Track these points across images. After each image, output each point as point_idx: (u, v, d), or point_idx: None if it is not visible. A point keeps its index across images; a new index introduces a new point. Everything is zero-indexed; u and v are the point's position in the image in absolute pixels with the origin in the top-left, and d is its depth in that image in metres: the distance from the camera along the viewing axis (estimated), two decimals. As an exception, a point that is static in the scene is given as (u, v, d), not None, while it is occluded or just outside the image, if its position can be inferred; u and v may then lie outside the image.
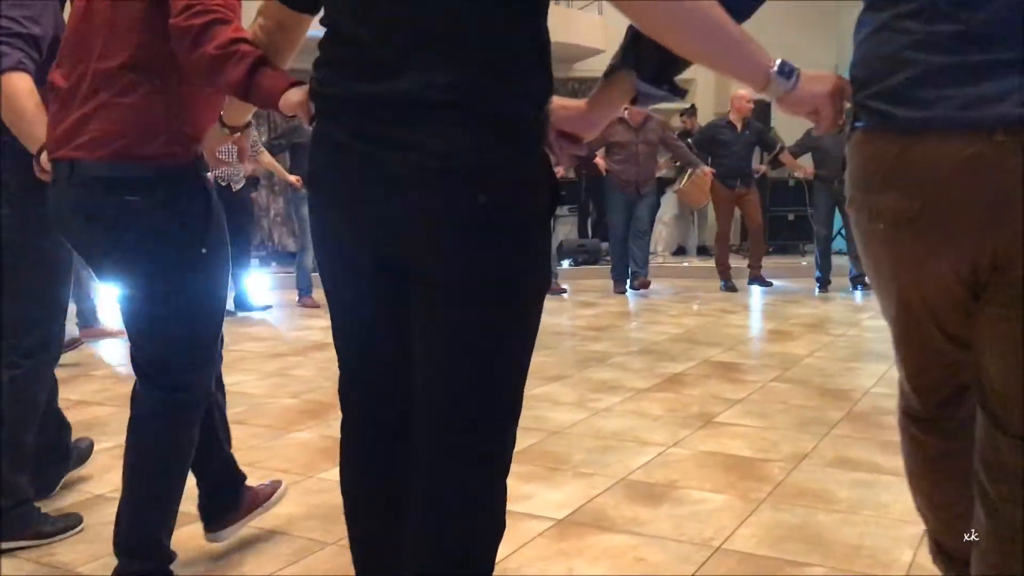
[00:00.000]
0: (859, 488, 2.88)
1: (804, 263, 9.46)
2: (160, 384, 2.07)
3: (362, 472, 1.63)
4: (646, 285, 7.91)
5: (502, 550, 2.37)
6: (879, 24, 1.41)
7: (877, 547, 2.43)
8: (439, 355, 1.44)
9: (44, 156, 2.14)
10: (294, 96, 1.62)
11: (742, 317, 6.80)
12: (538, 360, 4.71)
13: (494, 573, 2.12)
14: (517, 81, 1.39)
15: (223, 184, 6.40)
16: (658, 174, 8.58)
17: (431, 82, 1.34)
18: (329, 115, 1.47)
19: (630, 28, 1.44)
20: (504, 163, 1.38)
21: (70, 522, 2.51)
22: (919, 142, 1.35)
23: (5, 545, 2.36)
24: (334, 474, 2.99)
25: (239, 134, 2.01)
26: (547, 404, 3.98)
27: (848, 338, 5.70)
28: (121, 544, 2.07)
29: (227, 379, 2.46)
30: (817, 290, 7.99)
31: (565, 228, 10.28)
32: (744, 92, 7.78)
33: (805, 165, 7.91)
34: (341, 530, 2.53)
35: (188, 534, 2.41)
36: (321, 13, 1.54)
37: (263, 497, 2.47)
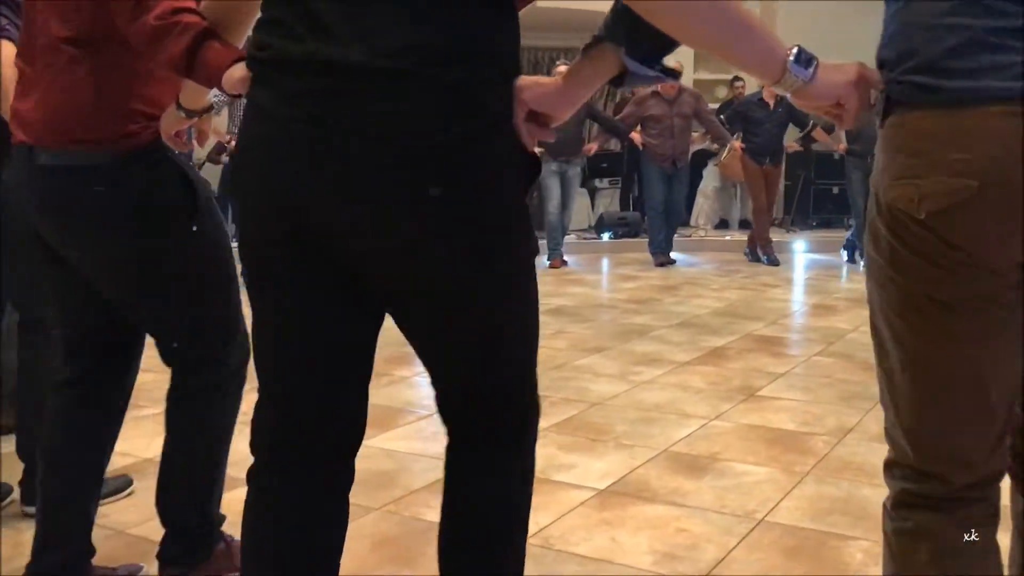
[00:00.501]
0: (904, 463, 2.86)
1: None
2: (193, 370, 1.95)
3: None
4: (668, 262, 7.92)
5: (544, 518, 2.40)
6: None
7: (922, 522, 2.41)
8: (437, 363, 1.36)
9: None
10: (237, 72, 1.46)
11: (784, 291, 6.74)
12: (579, 332, 4.74)
13: (538, 542, 2.14)
14: (482, 41, 1.18)
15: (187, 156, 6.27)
16: (697, 147, 8.51)
17: (377, 45, 1.14)
18: (261, 81, 1.24)
19: (616, 3, 1.24)
20: (464, 144, 1.16)
21: (119, 484, 2.57)
22: (970, 115, 1.12)
23: None
24: (379, 440, 3.04)
25: (196, 118, 1.79)
26: (588, 376, 3.99)
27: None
28: (167, 513, 2.02)
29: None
30: (846, 261, 7.99)
31: (605, 200, 10.24)
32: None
33: (837, 141, 7.84)
34: (385, 496, 2.58)
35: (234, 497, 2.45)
36: None
37: None
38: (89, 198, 1.76)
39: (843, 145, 7.73)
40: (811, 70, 1.17)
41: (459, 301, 1.25)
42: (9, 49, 2.10)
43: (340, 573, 2.10)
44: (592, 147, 8.24)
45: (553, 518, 2.42)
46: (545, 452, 2.82)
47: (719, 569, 2.16)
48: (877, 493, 2.51)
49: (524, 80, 1.27)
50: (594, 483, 2.68)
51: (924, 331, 1.19)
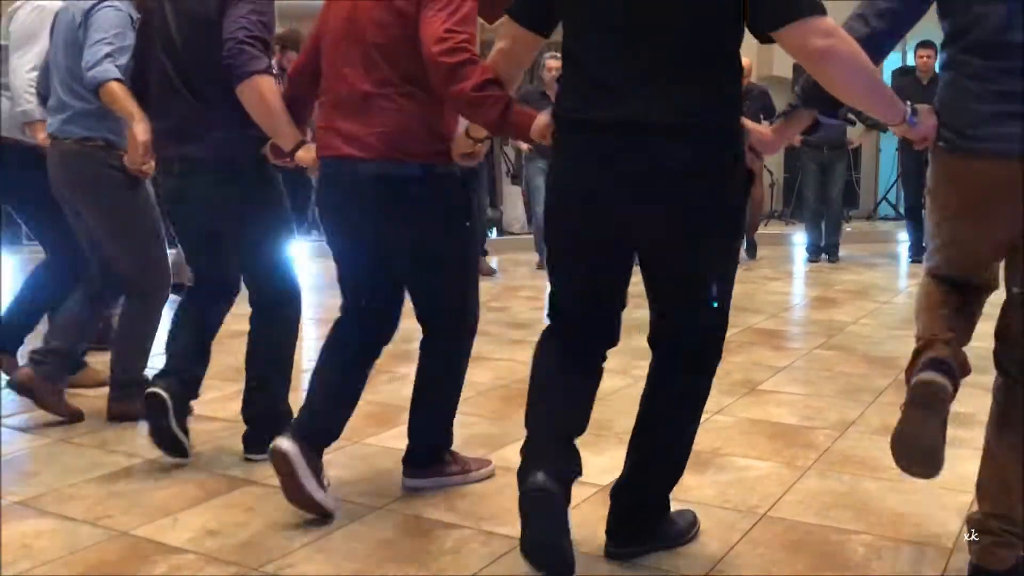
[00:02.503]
0: (906, 456, 2.86)
1: (849, 228, 9.32)
2: (446, 327, 2.55)
3: (561, 356, 2.16)
4: None
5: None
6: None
7: (924, 515, 2.41)
8: (680, 289, 2.14)
9: (303, 152, 2.54)
10: (542, 121, 2.09)
11: (785, 284, 6.74)
12: (580, 327, 4.72)
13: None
14: (731, 100, 1.94)
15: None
16: None
17: (665, 105, 1.86)
18: (568, 131, 1.99)
19: (804, 79, 2.02)
20: (727, 166, 1.94)
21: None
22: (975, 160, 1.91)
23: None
24: (380, 439, 3.04)
25: (480, 144, 2.37)
26: (589, 371, 3.98)
27: (894, 305, 5.63)
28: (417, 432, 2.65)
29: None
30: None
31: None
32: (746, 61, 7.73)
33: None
34: (389, 494, 2.58)
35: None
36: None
37: (472, 466, 2.71)
38: (410, 200, 2.32)
39: (858, 141, 7.54)
40: (917, 118, 1.95)
41: (706, 261, 2.05)
42: (273, 84, 2.56)
43: (339, 573, 2.11)
44: None
45: (556, 515, 2.41)
46: (547, 449, 2.81)
47: (721, 565, 2.16)
48: (879, 487, 2.52)
49: (746, 124, 2.00)
50: (596, 479, 2.68)
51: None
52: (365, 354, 2.58)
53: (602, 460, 2.84)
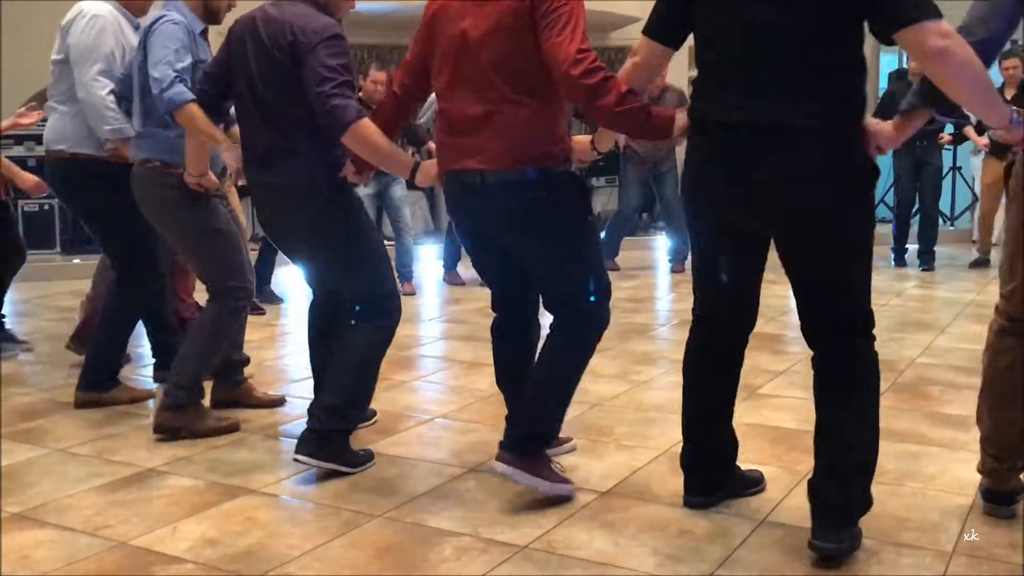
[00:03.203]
0: (905, 459, 2.86)
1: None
2: (575, 316, 2.61)
3: (698, 368, 2.52)
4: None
5: (547, 522, 2.40)
6: None
7: (925, 519, 2.41)
8: (812, 276, 2.30)
9: (420, 176, 2.71)
10: (682, 120, 2.29)
11: (784, 288, 6.71)
12: (579, 333, 4.72)
13: (541, 546, 2.14)
14: (858, 101, 2.12)
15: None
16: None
17: (793, 107, 2.05)
18: (701, 131, 2.23)
19: (924, 81, 2.13)
20: (851, 164, 2.12)
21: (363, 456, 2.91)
22: None
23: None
24: (379, 446, 3.03)
25: (597, 153, 2.64)
26: (588, 376, 3.91)
27: (892, 308, 5.63)
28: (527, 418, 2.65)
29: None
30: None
31: (603, 199, 10.24)
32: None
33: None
34: (387, 503, 2.57)
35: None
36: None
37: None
38: (530, 203, 2.47)
39: (984, 141, 7.40)
40: (1020, 121, 2.08)
41: (846, 247, 2.21)
42: (371, 125, 2.66)
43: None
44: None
45: (556, 522, 2.41)
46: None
47: (722, 570, 2.15)
48: (878, 491, 2.51)
49: (869, 124, 2.16)
50: (596, 485, 2.68)
51: None
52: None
53: (601, 467, 2.84)
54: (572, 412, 3.42)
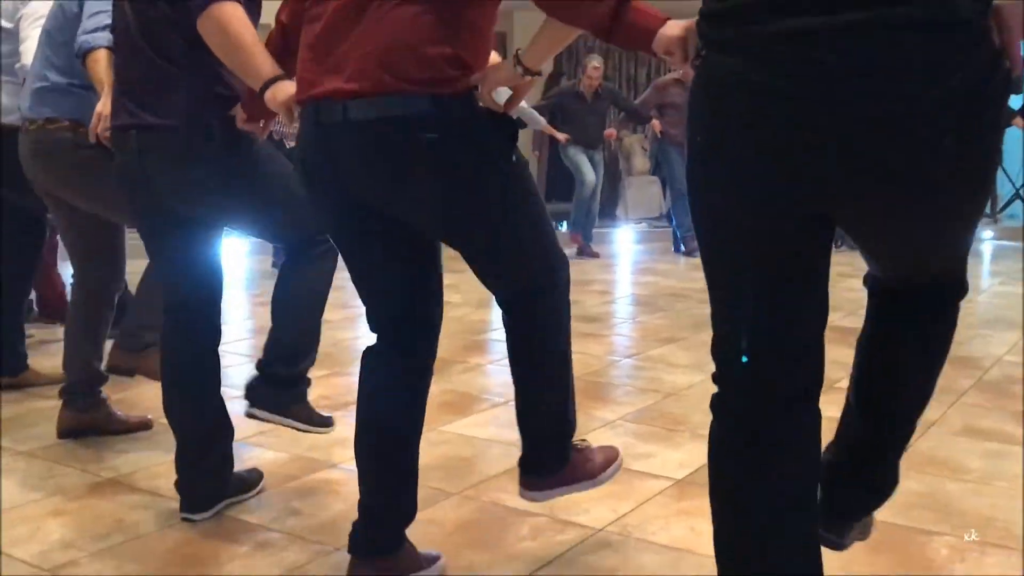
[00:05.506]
0: (990, 458, 2.80)
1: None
2: (524, 310, 1.97)
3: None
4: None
5: (623, 507, 2.41)
6: None
7: (1011, 520, 2.36)
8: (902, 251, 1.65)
9: (272, 92, 1.92)
10: (673, 31, 1.50)
11: (857, 280, 6.60)
12: (652, 322, 4.73)
13: (616, 530, 2.15)
14: None
15: (276, 139, 5.87)
16: None
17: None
18: (743, 53, 1.29)
19: None
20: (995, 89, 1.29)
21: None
22: None
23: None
24: (456, 426, 3.08)
25: (529, 78, 1.78)
26: (662, 366, 3.97)
27: (978, 304, 5.49)
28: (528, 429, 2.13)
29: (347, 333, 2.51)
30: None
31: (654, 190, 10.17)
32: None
33: None
34: (464, 480, 2.61)
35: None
36: None
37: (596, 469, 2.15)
38: (422, 146, 1.72)
39: None
40: None
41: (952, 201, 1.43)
42: (239, 11, 1.99)
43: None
44: (613, 132, 8.30)
45: (631, 506, 2.43)
46: (622, 441, 2.82)
47: (799, 561, 2.14)
48: (962, 489, 2.47)
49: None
50: (672, 473, 2.68)
51: None
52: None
53: (678, 455, 2.83)
54: (647, 400, 3.43)
